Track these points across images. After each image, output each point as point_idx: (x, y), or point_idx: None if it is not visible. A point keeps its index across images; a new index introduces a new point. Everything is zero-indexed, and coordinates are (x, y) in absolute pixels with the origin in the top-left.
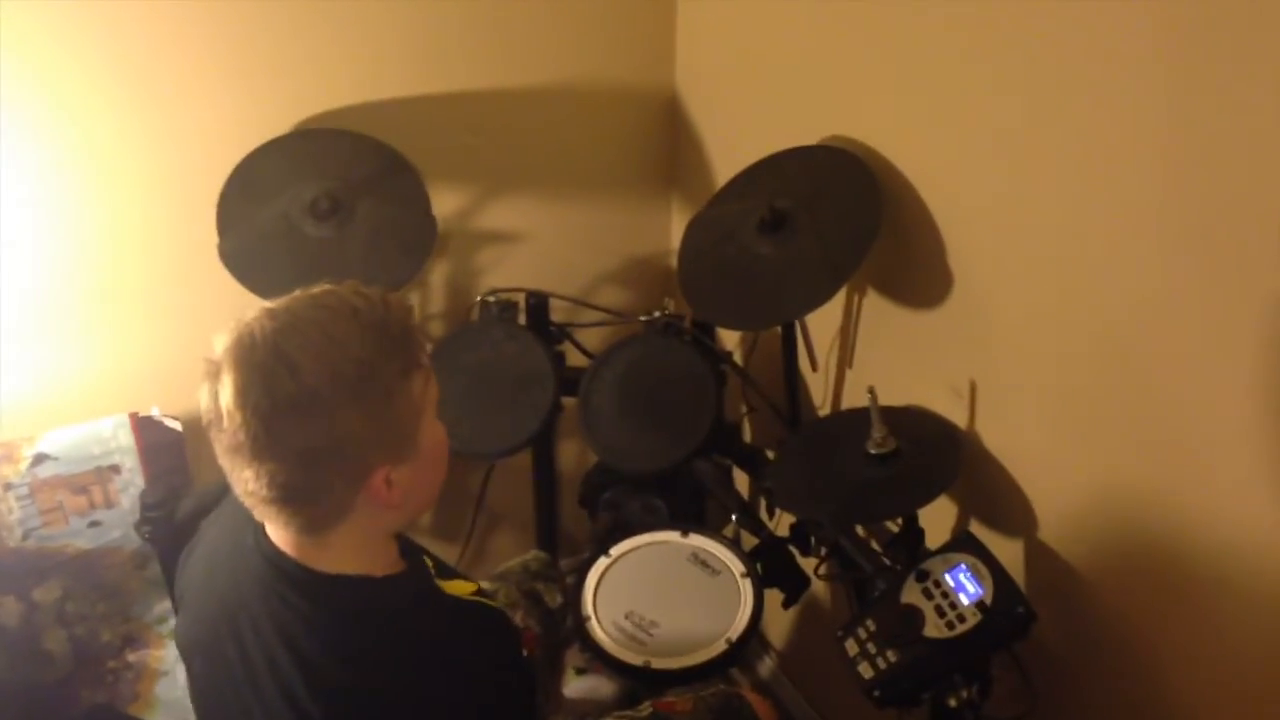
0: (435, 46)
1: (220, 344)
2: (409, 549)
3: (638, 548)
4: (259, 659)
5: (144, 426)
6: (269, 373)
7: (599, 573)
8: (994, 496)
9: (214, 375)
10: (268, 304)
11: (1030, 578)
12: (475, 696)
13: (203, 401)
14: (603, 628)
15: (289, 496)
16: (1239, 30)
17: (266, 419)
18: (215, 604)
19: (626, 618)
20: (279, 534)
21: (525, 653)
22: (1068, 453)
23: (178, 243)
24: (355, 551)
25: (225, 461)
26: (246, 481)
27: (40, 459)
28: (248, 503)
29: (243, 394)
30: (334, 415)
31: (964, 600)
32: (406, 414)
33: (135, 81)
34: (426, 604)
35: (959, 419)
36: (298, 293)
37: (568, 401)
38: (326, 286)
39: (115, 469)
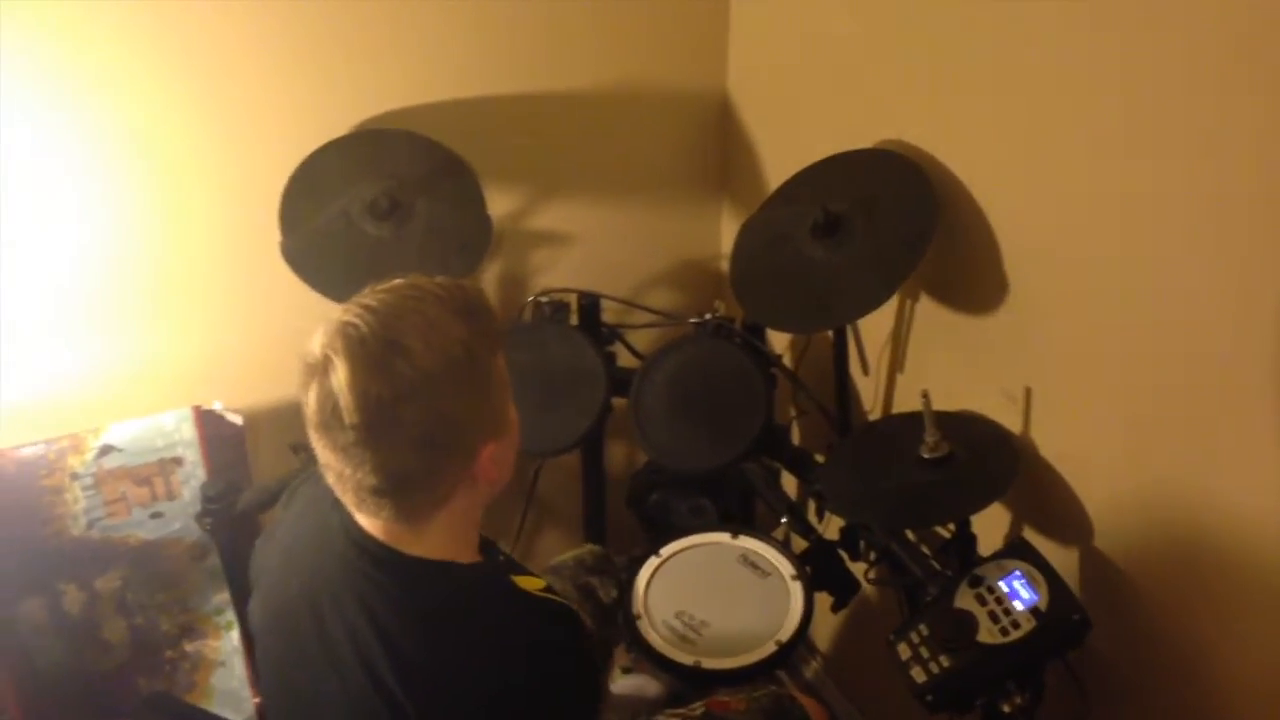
0: (492, 49)
1: (315, 344)
2: (484, 543)
3: (688, 548)
4: (341, 637)
5: (207, 420)
6: (384, 362)
7: (649, 572)
8: (1048, 503)
9: (321, 372)
10: (360, 300)
11: (1085, 585)
12: (546, 688)
13: (309, 403)
14: (653, 626)
15: (402, 484)
16: None
17: (387, 407)
18: (295, 586)
19: (676, 617)
20: (371, 522)
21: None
22: (1124, 460)
23: (241, 240)
24: (446, 539)
25: (333, 460)
26: (358, 476)
27: (106, 450)
28: (351, 497)
29: (361, 385)
30: (447, 397)
31: (1018, 606)
32: (500, 390)
33: (200, 84)
34: (504, 595)
35: (1013, 425)
36: (376, 287)
37: (618, 402)
38: (400, 280)
39: (178, 461)
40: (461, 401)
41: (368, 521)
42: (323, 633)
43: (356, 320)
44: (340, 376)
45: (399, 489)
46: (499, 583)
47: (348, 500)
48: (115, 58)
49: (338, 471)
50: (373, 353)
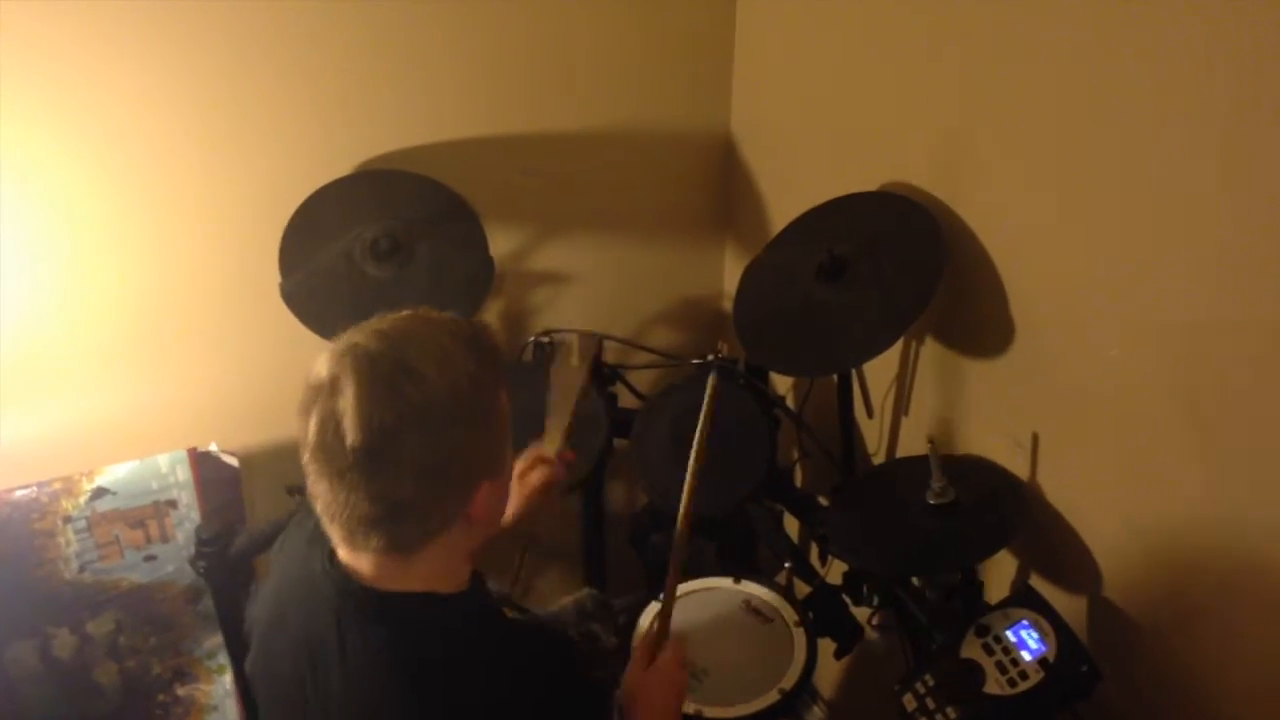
0: (494, 90)
1: (323, 366)
2: (474, 577)
3: (689, 593)
4: (334, 684)
5: (202, 462)
6: (394, 384)
7: (650, 617)
8: (1055, 551)
9: (327, 393)
10: (370, 324)
11: (1093, 635)
12: (540, 713)
13: (309, 426)
14: None
15: (396, 514)
16: None
17: (390, 433)
18: (286, 637)
19: None
20: (358, 556)
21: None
22: (1133, 507)
23: (240, 282)
24: (434, 571)
25: (327, 486)
26: (352, 501)
27: (99, 493)
28: (340, 529)
29: (367, 406)
30: (451, 428)
31: (1026, 657)
32: (502, 429)
33: (200, 125)
34: (489, 622)
35: (1019, 471)
36: (386, 315)
37: (619, 443)
38: (408, 311)
39: (172, 504)
40: (464, 434)
41: (352, 557)
42: (316, 680)
43: (366, 343)
44: (348, 397)
45: (392, 518)
46: (484, 609)
47: (335, 533)
48: (117, 97)
49: (328, 501)
50: (382, 374)
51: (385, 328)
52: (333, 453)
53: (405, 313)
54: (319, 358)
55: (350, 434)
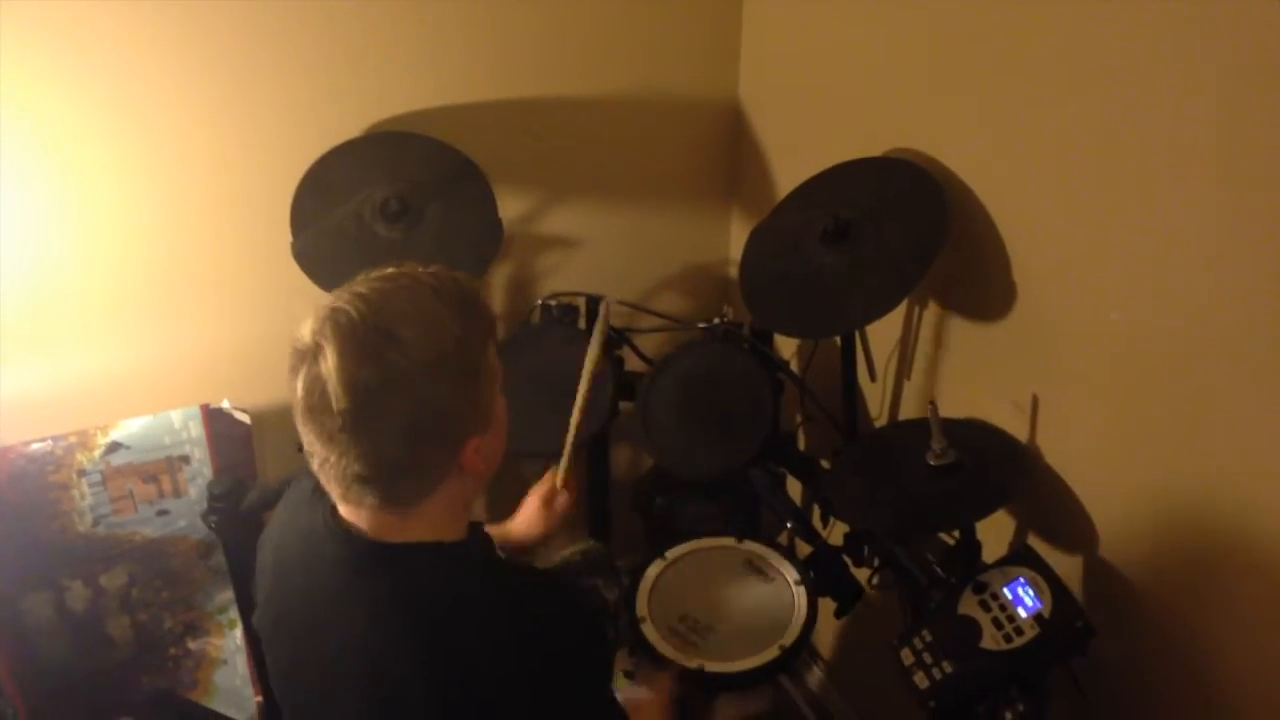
0: (504, 54)
1: (306, 330)
2: (472, 526)
3: (692, 552)
4: (344, 638)
5: (214, 418)
6: (375, 350)
7: (653, 575)
8: (1053, 511)
9: (310, 357)
10: (352, 287)
11: (1088, 593)
12: (551, 657)
13: (297, 388)
14: (656, 630)
15: (389, 473)
16: None
17: (376, 395)
18: (292, 594)
19: (680, 621)
20: (357, 512)
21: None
22: (1130, 469)
23: (252, 241)
24: (431, 523)
25: (320, 446)
26: (344, 463)
27: (114, 447)
28: (336, 486)
29: (350, 372)
30: (437, 388)
31: (1022, 613)
32: (489, 383)
33: (213, 86)
34: (494, 568)
35: (1019, 433)
36: (369, 275)
37: (625, 405)
38: (393, 269)
39: (185, 459)
40: (451, 393)
41: (352, 513)
42: (325, 636)
43: (348, 307)
44: (330, 363)
45: (385, 477)
46: (487, 557)
47: (333, 490)
48: (131, 56)
49: (323, 458)
50: (363, 340)
51: (366, 290)
52: (321, 416)
53: (389, 271)
54: (304, 320)
55: (335, 399)
